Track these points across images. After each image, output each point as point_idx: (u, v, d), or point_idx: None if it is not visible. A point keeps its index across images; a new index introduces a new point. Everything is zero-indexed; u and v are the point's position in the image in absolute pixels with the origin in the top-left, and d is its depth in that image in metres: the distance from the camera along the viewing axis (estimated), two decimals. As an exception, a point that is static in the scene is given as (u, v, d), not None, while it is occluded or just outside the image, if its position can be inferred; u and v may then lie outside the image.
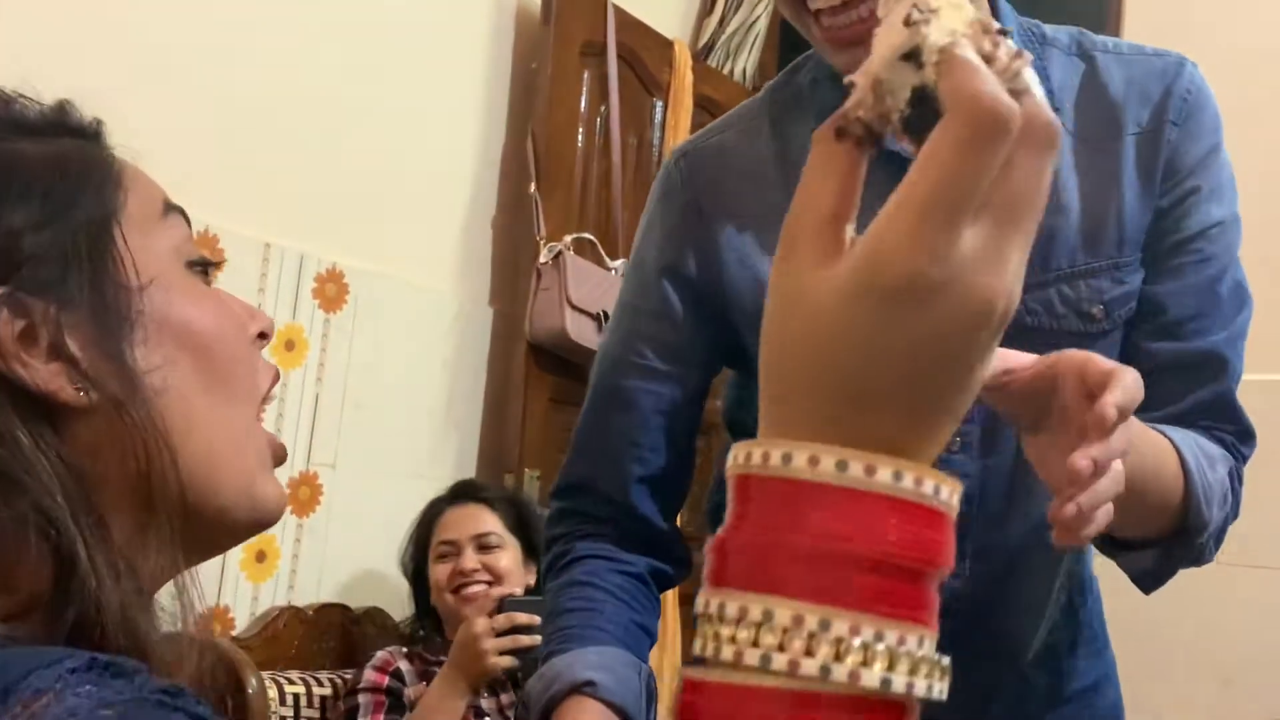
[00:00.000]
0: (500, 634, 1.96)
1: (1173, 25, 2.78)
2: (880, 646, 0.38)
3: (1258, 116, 2.58)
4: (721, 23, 3.33)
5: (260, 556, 2.31)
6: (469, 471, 2.76)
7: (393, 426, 2.57)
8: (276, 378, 0.69)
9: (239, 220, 2.23)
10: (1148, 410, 0.93)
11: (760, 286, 1.01)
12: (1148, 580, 1.02)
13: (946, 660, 0.40)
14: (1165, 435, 0.95)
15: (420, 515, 2.29)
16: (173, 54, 2.14)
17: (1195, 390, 1.02)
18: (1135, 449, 0.82)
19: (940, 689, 0.39)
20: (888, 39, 0.41)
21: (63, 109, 0.67)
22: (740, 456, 0.42)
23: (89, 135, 0.66)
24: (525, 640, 1.94)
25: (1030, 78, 0.41)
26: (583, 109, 2.88)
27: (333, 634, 2.35)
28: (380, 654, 2.14)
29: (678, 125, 3.06)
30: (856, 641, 0.38)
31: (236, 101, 2.25)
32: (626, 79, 2.97)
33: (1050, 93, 1.02)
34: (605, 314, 2.71)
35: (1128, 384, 0.75)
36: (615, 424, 1.13)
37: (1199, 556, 1.00)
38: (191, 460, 0.60)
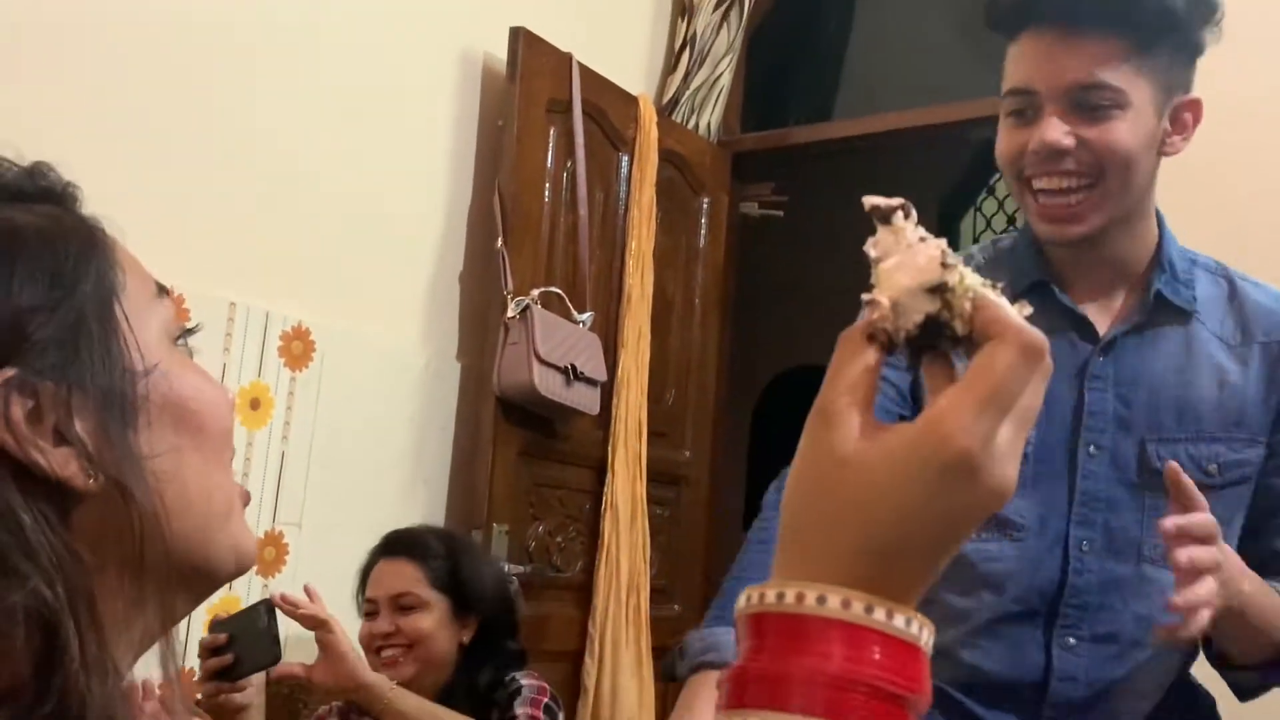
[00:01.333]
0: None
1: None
2: None
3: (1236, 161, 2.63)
4: (686, 78, 3.37)
5: (226, 617, 2.27)
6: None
7: (360, 484, 2.55)
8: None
9: (203, 279, 2.23)
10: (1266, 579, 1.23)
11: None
12: (1244, 693, 1.28)
13: None
14: (1274, 585, 1.21)
15: (361, 568, 2.20)
16: (138, 114, 2.15)
17: None
18: (1258, 592, 1.15)
19: None
20: (915, 273, 0.53)
21: (41, 172, 0.66)
22: (755, 598, 0.50)
23: (68, 201, 0.66)
24: (214, 663, 1.76)
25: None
26: (549, 164, 2.90)
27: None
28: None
29: (643, 179, 3.09)
30: None
31: (201, 160, 2.25)
32: (592, 134, 3.00)
33: (1194, 299, 1.30)
34: (573, 367, 2.71)
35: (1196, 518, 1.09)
36: None
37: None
38: (186, 532, 0.61)
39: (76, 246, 0.61)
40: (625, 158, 3.11)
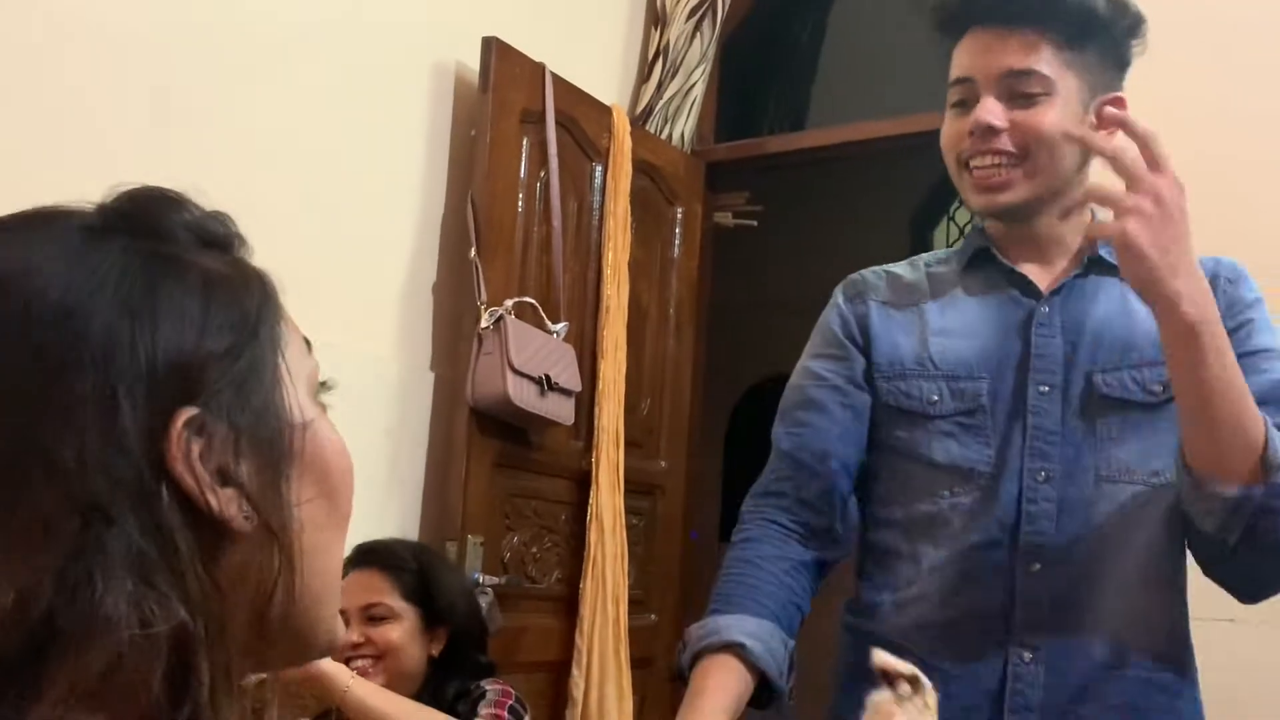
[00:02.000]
0: None
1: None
2: None
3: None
4: (659, 88, 3.37)
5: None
6: (412, 539, 2.72)
7: (333, 495, 2.53)
8: None
9: (175, 289, 2.21)
10: None
11: (893, 345, 1.42)
12: (1224, 529, 1.22)
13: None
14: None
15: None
16: (106, 127, 2.13)
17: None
18: (1227, 363, 1.17)
19: None
20: None
21: (223, 220, 0.70)
22: None
23: (245, 251, 0.70)
24: None
25: None
26: (522, 175, 2.90)
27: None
28: None
29: (617, 190, 3.09)
30: None
31: (172, 171, 2.23)
32: (565, 145, 3.00)
33: None
34: (548, 378, 2.71)
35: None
36: (811, 420, 1.43)
37: (1274, 527, 1.20)
38: (310, 593, 0.63)
39: (258, 297, 0.66)
40: (599, 168, 3.11)
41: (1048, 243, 1.41)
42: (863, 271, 1.53)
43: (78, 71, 2.10)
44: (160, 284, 0.61)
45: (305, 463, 0.63)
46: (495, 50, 2.82)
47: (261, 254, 2.51)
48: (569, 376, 2.80)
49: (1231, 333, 1.27)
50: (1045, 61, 1.33)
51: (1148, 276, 1.14)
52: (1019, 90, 1.33)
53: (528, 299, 2.81)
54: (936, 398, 1.38)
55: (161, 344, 0.59)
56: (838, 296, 1.51)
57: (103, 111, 2.13)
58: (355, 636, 2.00)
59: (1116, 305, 1.38)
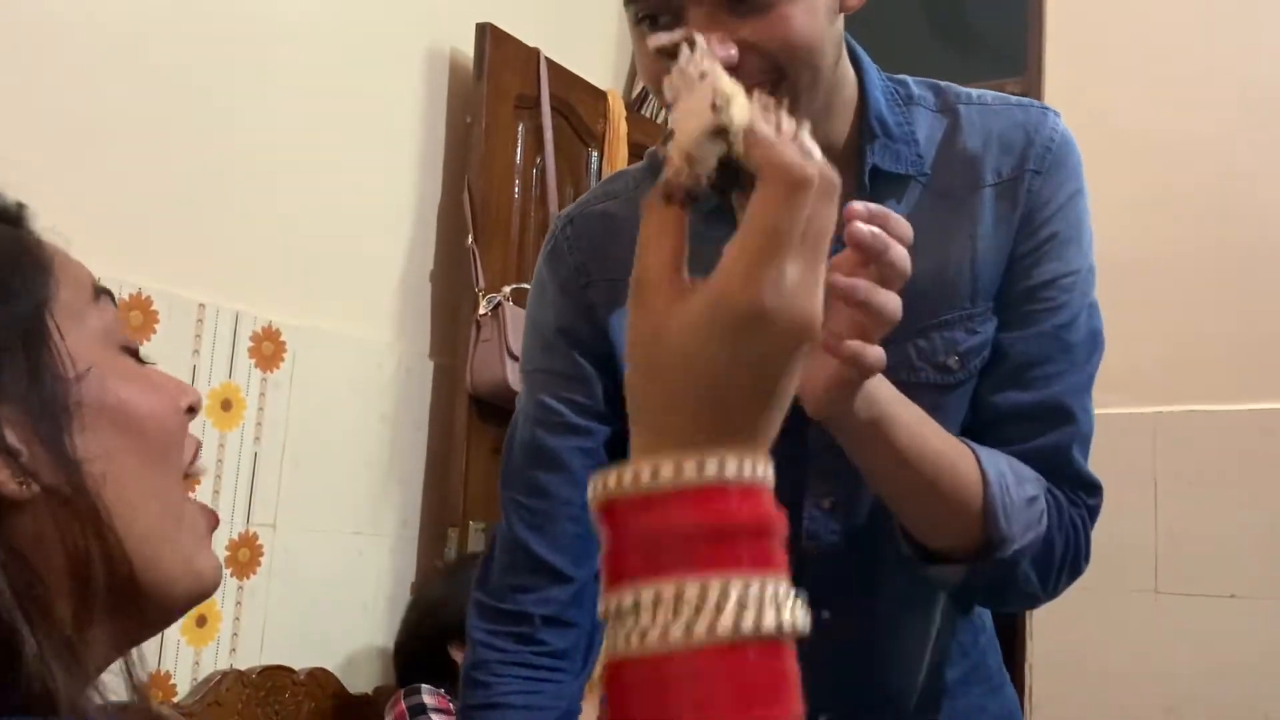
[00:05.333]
0: None
1: (1088, 112, 2.86)
2: (755, 593, 0.48)
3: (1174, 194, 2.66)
4: (654, 73, 3.37)
5: (200, 621, 2.27)
6: (413, 527, 2.74)
7: (333, 484, 2.54)
8: (198, 450, 0.69)
9: (172, 280, 2.21)
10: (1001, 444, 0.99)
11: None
12: (962, 596, 1.04)
13: (802, 597, 0.50)
14: (967, 444, 0.96)
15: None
16: (105, 116, 2.13)
17: (1034, 439, 1.01)
18: (925, 435, 0.91)
19: (802, 618, 0.49)
20: (693, 119, 0.51)
21: None
22: (610, 482, 0.50)
23: (13, 220, 0.67)
24: None
25: (808, 140, 0.52)
26: (518, 161, 2.90)
27: (276, 696, 2.31)
28: (428, 687, 2.22)
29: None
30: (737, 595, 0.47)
31: (168, 160, 2.24)
32: (561, 130, 3.00)
33: (919, 156, 1.04)
34: (546, 364, 2.70)
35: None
36: (547, 484, 1.11)
37: (1014, 581, 0.99)
38: (133, 541, 0.61)
39: (5, 258, 0.62)
40: (595, 153, 3.11)
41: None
42: (578, 218, 1.14)
43: (73, 59, 2.09)
44: None
45: (92, 412, 0.61)
46: (490, 36, 2.82)
47: (256, 244, 2.52)
48: (567, 362, 2.80)
49: (1022, 261, 1.01)
50: None
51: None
52: None
53: (526, 285, 2.81)
54: None
55: None
56: (554, 270, 1.13)
57: (96, 101, 2.13)
58: None
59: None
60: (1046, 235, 1.02)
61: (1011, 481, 0.96)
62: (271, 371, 2.42)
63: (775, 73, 0.91)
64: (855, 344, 0.81)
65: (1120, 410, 2.38)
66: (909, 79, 1.09)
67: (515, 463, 1.14)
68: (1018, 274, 1.02)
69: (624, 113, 3.15)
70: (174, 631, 2.22)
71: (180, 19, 2.28)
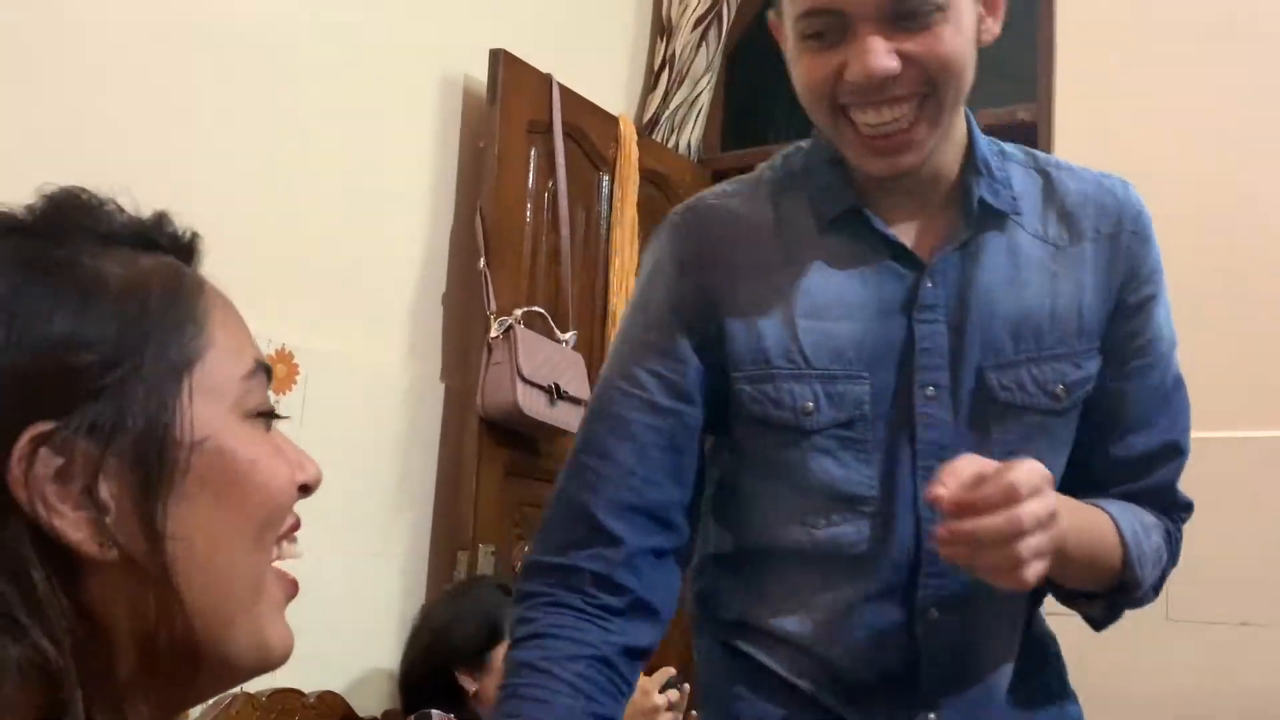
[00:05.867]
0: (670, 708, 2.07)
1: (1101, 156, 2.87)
2: None
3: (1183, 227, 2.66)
4: (665, 98, 3.38)
5: (211, 642, 2.26)
6: (423, 549, 2.74)
7: (345, 506, 2.54)
8: (295, 527, 0.68)
9: (186, 302, 2.22)
10: (1106, 489, 1.17)
11: (753, 333, 1.11)
12: (1097, 624, 1.22)
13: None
14: (1104, 510, 1.13)
15: (484, 605, 2.27)
16: (117, 141, 2.14)
17: (1150, 477, 1.19)
18: (1076, 527, 1.05)
19: None
20: None
21: (159, 222, 0.65)
22: None
23: (184, 251, 0.64)
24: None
25: None
26: (530, 185, 2.91)
27: (286, 719, 2.30)
28: (438, 713, 2.16)
29: (624, 199, 3.10)
30: None
31: (181, 184, 2.25)
32: (573, 155, 3.01)
33: (1013, 198, 1.16)
34: (557, 386, 2.72)
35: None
36: (615, 452, 1.12)
37: (1140, 602, 1.19)
38: (205, 615, 0.58)
39: (158, 303, 0.59)
40: (606, 177, 3.12)
41: (931, 184, 1.14)
42: (700, 208, 1.19)
43: (88, 88, 2.11)
44: (29, 287, 0.55)
45: (197, 483, 0.58)
46: (502, 62, 2.84)
47: (269, 267, 2.54)
48: (578, 385, 2.81)
49: (1123, 314, 1.14)
50: None
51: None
52: (904, 9, 1.03)
53: (537, 308, 2.82)
54: (811, 405, 1.10)
55: (14, 352, 0.54)
56: (674, 245, 1.17)
57: (116, 130, 2.14)
58: None
59: (1004, 271, 1.13)
60: (1148, 294, 1.17)
61: (1142, 535, 1.14)
62: (284, 394, 2.43)
63: (927, 85, 1.05)
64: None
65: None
66: (1001, 142, 1.23)
67: (589, 424, 1.16)
68: (1127, 330, 1.16)
69: (635, 137, 3.17)
70: None
71: (195, 43, 2.30)
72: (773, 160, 1.23)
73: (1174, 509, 1.22)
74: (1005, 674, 1.16)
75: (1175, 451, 1.20)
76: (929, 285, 1.12)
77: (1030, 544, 0.93)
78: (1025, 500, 0.93)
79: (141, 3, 2.21)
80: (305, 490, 0.66)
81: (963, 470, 0.95)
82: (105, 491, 0.55)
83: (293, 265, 2.46)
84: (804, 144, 1.22)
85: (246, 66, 2.39)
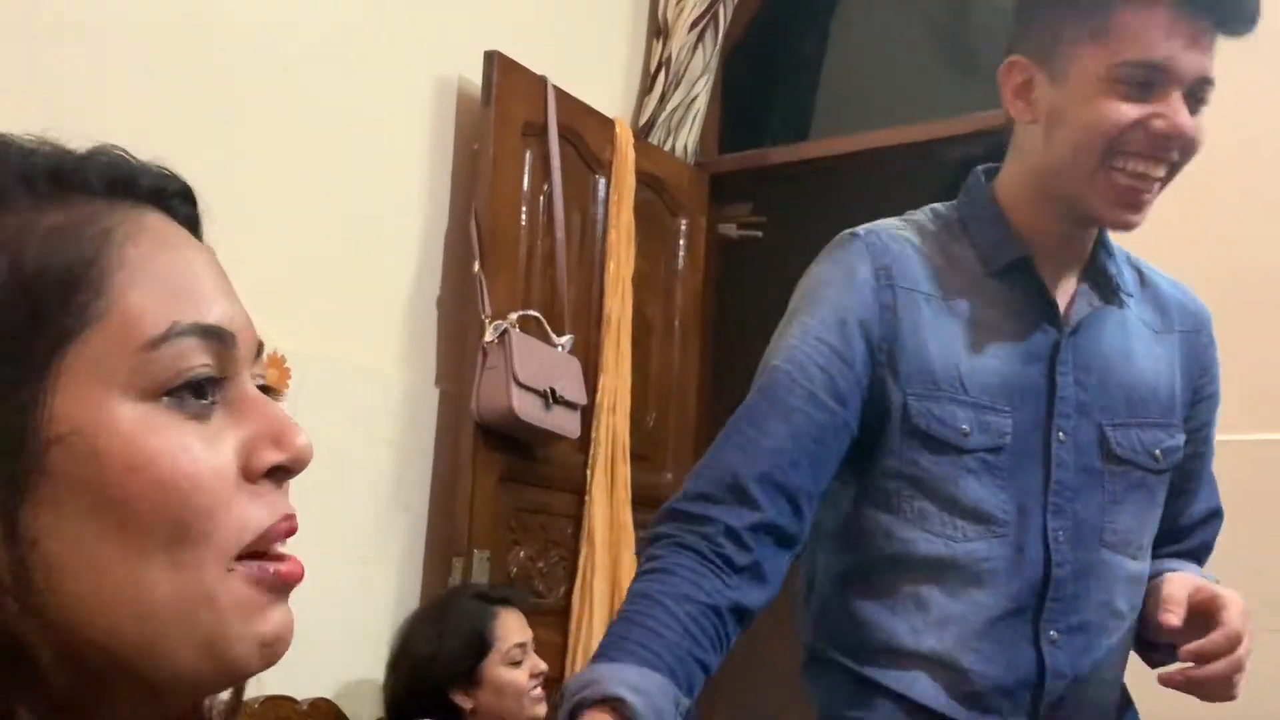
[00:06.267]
0: None
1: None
2: None
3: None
4: (662, 100, 3.37)
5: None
6: (418, 555, 2.72)
7: (339, 511, 2.52)
8: (288, 522, 0.57)
9: (178, 306, 2.20)
10: (1176, 543, 1.38)
11: (924, 354, 1.23)
12: (1155, 663, 1.35)
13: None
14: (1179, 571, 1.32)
15: (468, 618, 2.28)
16: (110, 137, 2.12)
17: (1205, 533, 1.43)
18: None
19: None
20: None
21: (85, 159, 0.56)
22: None
23: (118, 193, 0.56)
24: None
25: None
26: (525, 188, 2.89)
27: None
28: None
29: (620, 202, 3.08)
30: None
31: (175, 187, 2.23)
32: (568, 158, 2.99)
33: (1122, 271, 1.33)
34: (553, 391, 2.70)
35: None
36: (772, 429, 1.20)
37: None
38: (115, 636, 0.50)
39: (30, 270, 0.50)
40: (602, 180, 3.10)
41: (1080, 251, 1.30)
42: (880, 233, 1.30)
43: (79, 82, 2.09)
44: None
45: (63, 488, 0.49)
46: (497, 64, 2.82)
47: (262, 270, 2.52)
48: (574, 390, 2.79)
49: (1196, 402, 1.35)
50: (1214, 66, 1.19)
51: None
52: (1199, 95, 1.19)
53: (532, 312, 2.81)
54: (967, 428, 1.22)
55: None
56: (862, 262, 1.27)
57: (107, 127, 2.12)
58: (542, 665, 2.29)
59: (1118, 344, 1.30)
60: (1213, 392, 1.38)
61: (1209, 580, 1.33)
62: (277, 398, 2.40)
63: (1180, 156, 1.20)
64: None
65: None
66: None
67: (754, 399, 1.24)
68: (1195, 413, 1.35)
69: (631, 140, 3.15)
70: None
71: (190, 44, 2.28)
72: (922, 211, 1.35)
73: (1210, 553, 1.45)
74: (1114, 693, 1.33)
75: (1218, 515, 1.43)
76: (1068, 341, 1.26)
77: (1243, 675, 1.17)
78: (1244, 642, 1.17)
79: (136, 1, 2.19)
80: (283, 472, 0.56)
81: (1180, 596, 1.19)
82: None
83: (285, 269, 2.45)
84: (945, 205, 1.35)
85: (241, 67, 2.38)
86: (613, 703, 1.02)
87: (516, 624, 2.27)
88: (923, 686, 1.22)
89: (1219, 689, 1.18)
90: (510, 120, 2.84)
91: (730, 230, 3.58)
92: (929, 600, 1.22)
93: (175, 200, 0.61)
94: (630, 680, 1.04)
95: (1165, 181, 1.21)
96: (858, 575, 1.27)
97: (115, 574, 0.50)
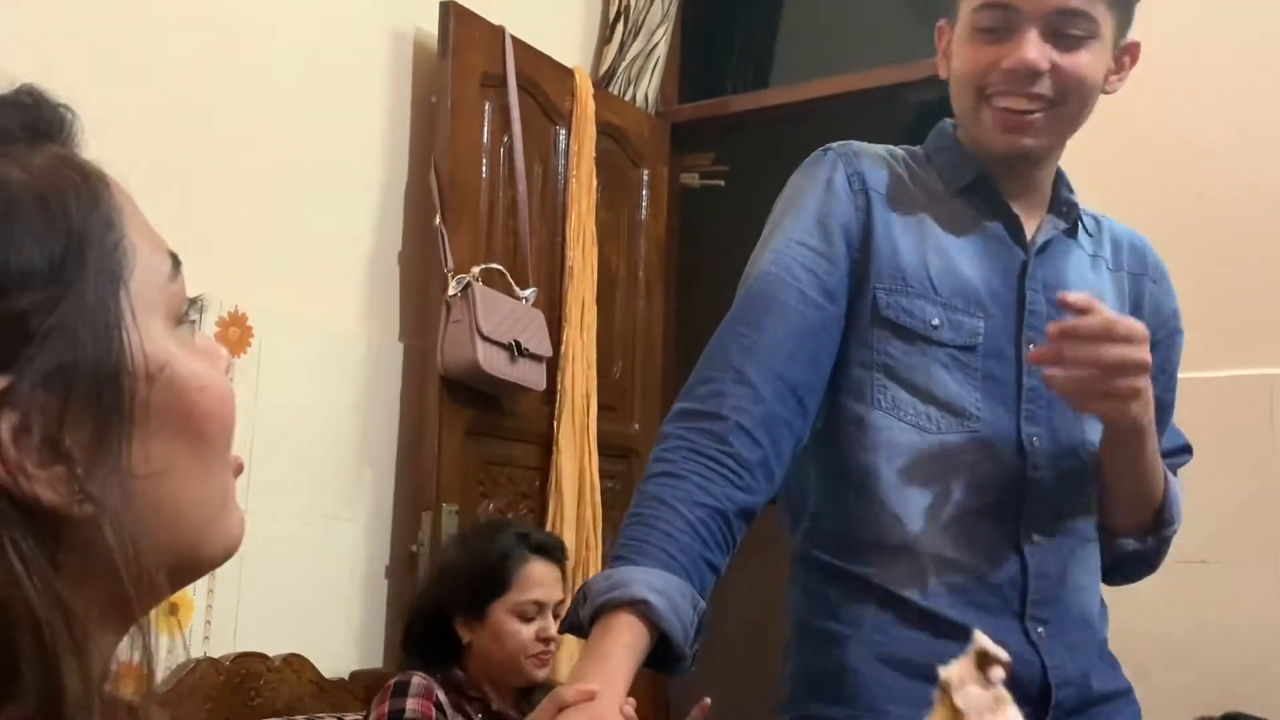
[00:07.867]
0: None
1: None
2: None
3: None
4: (621, 50, 3.35)
5: (172, 609, 2.24)
6: (386, 510, 2.72)
7: (305, 468, 2.52)
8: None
9: (136, 266, 2.18)
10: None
11: (894, 253, 1.28)
12: (1143, 569, 1.40)
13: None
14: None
15: (493, 551, 2.15)
16: (65, 93, 2.09)
17: (1174, 462, 1.43)
18: (1153, 466, 1.28)
19: None
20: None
21: (36, 102, 0.57)
22: None
23: (68, 138, 0.58)
24: None
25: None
26: (485, 140, 2.87)
27: (251, 683, 2.29)
28: (417, 680, 2.02)
29: (581, 152, 3.07)
30: None
31: (131, 141, 2.20)
32: (528, 108, 2.97)
33: (1085, 221, 1.40)
34: (517, 343, 2.70)
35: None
36: (769, 326, 1.24)
37: (1160, 554, 1.39)
38: (181, 537, 0.56)
39: (82, 210, 0.52)
40: (562, 131, 3.09)
41: (1034, 189, 1.35)
42: (853, 145, 1.38)
43: (38, 46, 2.06)
44: None
45: (159, 416, 0.53)
46: (454, 14, 2.79)
47: (221, 228, 2.48)
48: (539, 342, 2.79)
49: (1156, 344, 1.29)
50: (1095, 2, 1.24)
51: (1132, 426, 1.22)
52: (1064, 29, 1.24)
53: (495, 265, 2.80)
54: (937, 322, 1.27)
55: None
56: (836, 170, 1.34)
57: (60, 82, 2.09)
58: (554, 631, 2.09)
59: (1080, 273, 1.35)
60: (1173, 329, 1.43)
61: (1174, 483, 1.37)
62: (239, 357, 2.39)
63: (1058, 97, 1.25)
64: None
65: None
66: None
67: (743, 302, 1.27)
68: (1159, 360, 1.30)
69: (591, 90, 3.13)
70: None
71: (142, 4, 2.24)
72: (890, 148, 1.40)
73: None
74: (1094, 604, 1.33)
75: (1186, 450, 1.46)
76: (1037, 258, 1.32)
77: (1125, 380, 1.16)
78: (1120, 348, 1.15)
79: (79, -43, 2.15)
80: None
81: (1084, 297, 1.18)
82: (70, 443, 0.50)
83: (245, 226, 2.42)
84: (913, 148, 1.42)
85: (193, 20, 2.34)
86: (638, 605, 1.06)
87: (542, 578, 2.13)
88: (907, 579, 1.24)
89: (1083, 390, 1.17)
90: (468, 72, 2.82)
91: (692, 180, 3.58)
92: (907, 493, 1.25)
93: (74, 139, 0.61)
94: (654, 583, 1.08)
95: (1049, 117, 1.27)
96: (838, 469, 1.29)
97: (194, 485, 0.56)
